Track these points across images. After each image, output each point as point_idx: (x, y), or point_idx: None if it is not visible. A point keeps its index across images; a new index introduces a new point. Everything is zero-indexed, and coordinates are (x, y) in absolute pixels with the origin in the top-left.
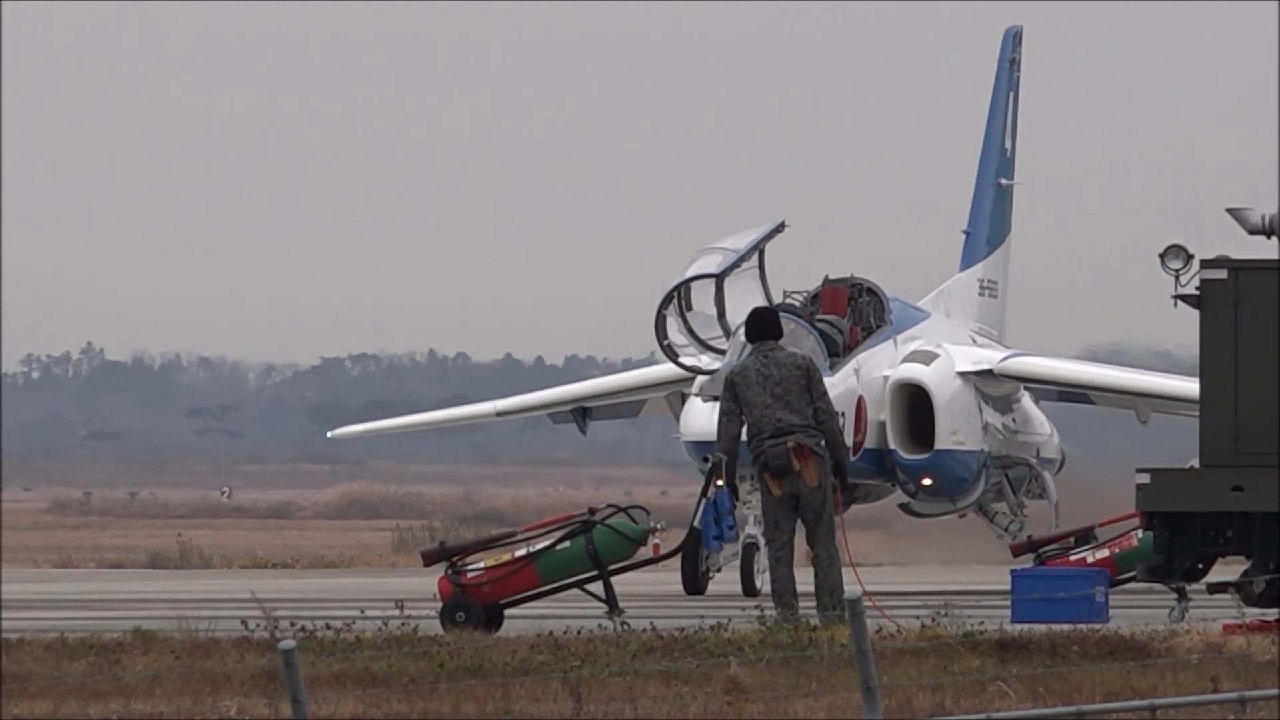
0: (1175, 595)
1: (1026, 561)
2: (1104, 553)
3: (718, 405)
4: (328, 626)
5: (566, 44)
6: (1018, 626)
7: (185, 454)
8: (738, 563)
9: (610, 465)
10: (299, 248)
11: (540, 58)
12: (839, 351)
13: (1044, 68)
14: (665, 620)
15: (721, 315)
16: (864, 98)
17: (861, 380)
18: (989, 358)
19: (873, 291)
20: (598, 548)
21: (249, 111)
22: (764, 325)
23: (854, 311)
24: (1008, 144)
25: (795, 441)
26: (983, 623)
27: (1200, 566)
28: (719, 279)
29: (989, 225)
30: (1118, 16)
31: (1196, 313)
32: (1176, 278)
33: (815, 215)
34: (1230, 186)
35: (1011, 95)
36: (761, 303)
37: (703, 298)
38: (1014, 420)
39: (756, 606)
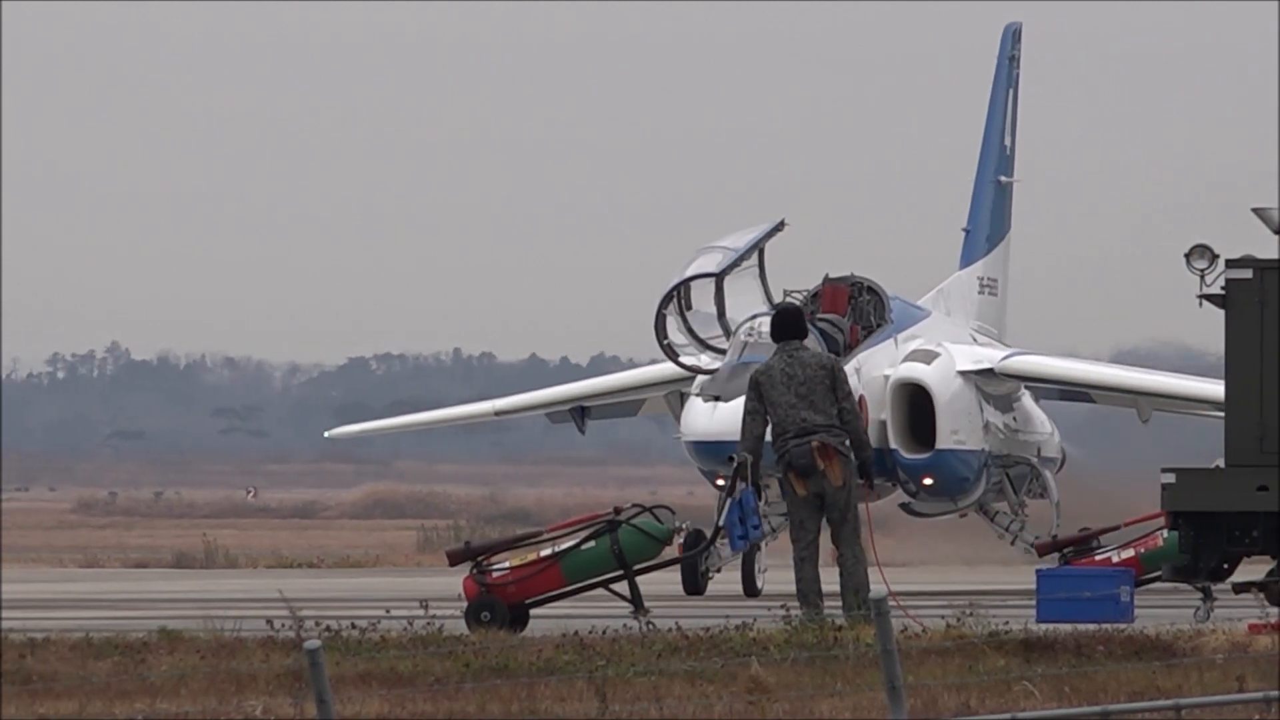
0: (1200, 595)
1: (1049, 560)
2: (1129, 552)
3: (719, 404)
4: (353, 626)
5: (623, 43)
6: (1043, 626)
7: (210, 454)
8: (738, 563)
9: (636, 465)
10: (324, 248)
11: (579, 57)
12: (839, 351)
13: (1045, 66)
14: (690, 620)
15: (721, 314)
16: (863, 96)
17: (862, 379)
18: (990, 356)
19: (873, 290)
20: (623, 547)
21: (279, 113)
22: (789, 325)
23: (854, 310)
24: (1007, 141)
25: (819, 441)
26: (1008, 622)
27: (1225, 566)
28: (719, 278)
29: (989, 223)
30: (1118, 15)
31: (1192, 311)
32: (1202, 277)
33: (815, 214)
34: (1230, 186)
35: (1011, 92)
36: (761, 302)
37: (702, 297)
38: (1015, 419)
39: (782, 606)
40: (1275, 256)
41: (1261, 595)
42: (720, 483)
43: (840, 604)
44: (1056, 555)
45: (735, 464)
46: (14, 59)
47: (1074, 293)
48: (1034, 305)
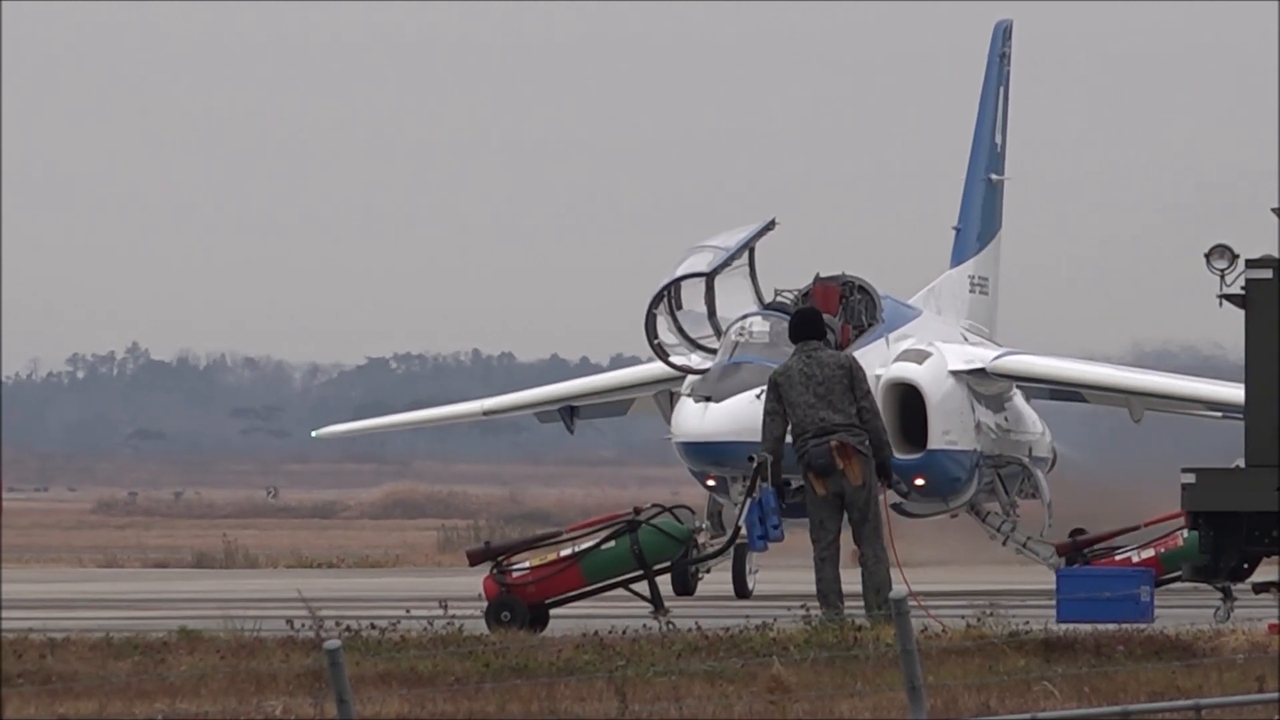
0: (1220, 595)
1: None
2: (1149, 552)
3: (710, 405)
4: (373, 626)
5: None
6: (1063, 626)
7: (230, 454)
8: (728, 563)
9: (656, 465)
10: (344, 248)
11: (589, 58)
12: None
13: (1045, 66)
14: (710, 620)
15: (712, 314)
16: (853, 95)
17: None
18: (982, 356)
19: (864, 289)
20: (643, 547)
21: (302, 115)
22: (807, 325)
23: (845, 310)
24: (998, 139)
25: (838, 441)
26: (1028, 622)
27: (1245, 566)
28: (709, 278)
29: (980, 221)
30: (1114, 13)
31: (1190, 311)
32: (1222, 277)
33: (806, 213)
34: (1229, 186)
35: (1002, 90)
36: (752, 301)
37: (693, 296)
38: (1006, 419)
39: (802, 606)
40: None
41: None
42: (711, 483)
43: (862, 603)
44: (1061, 556)
45: (755, 464)
46: (15, 59)
47: (1072, 292)
48: (1028, 304)
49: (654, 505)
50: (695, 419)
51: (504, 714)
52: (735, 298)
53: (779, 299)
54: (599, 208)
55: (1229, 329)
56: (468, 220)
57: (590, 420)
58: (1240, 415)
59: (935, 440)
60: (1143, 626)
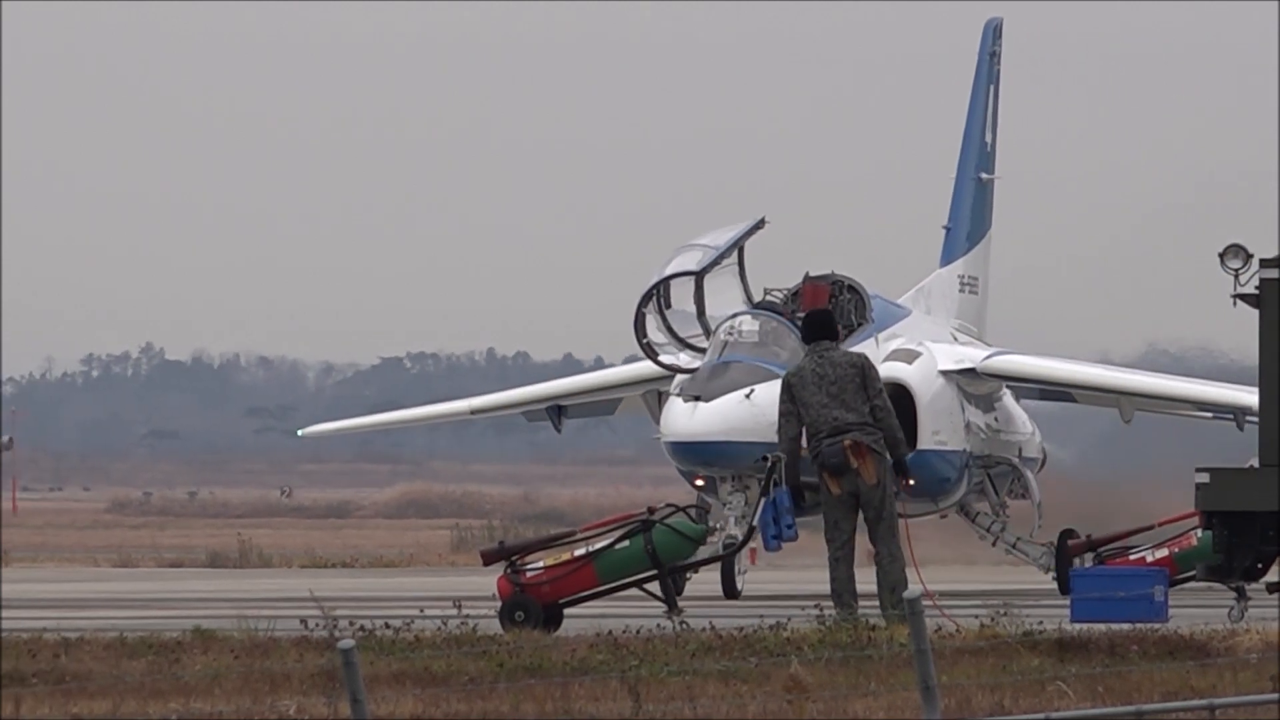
0: (1235, 594)
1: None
2: (1164, 552)
3: (699, 404)
4: (387, 626)
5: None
6: (1077, 626)
7: (244, 453)
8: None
9: (670, 465)
10: (358, 248)
11: (603, 59)
12: None
13: (1043, 66)
14: (724, 620)
15: (701, 313)
16: (843, 94)
17: None
18: (972, 356)
19: (854, 289)
20: (657, 547)
21: (314, 115)
22: (819, 326)
23: (835, 309)
24: (988, 138)
25: (852, 439)
26: (1042, 622)
27: (1260, 566)
28: (699, 276)
29: (969, 220)
30: (1113, 13)
31: (1187, 311)
32: (1236, 277)
33: (795, 212)
34: (1229, 186)
35: (992, 88)
36: (741, 301)
37: (682, 295)
38: (996, 419)
39: (816, 605)
40: None
41: None
42: (699, 484)
43: (877, 603)
44: (1075, 556)
45: (770, 463)
46: (15, 59)
47: (1070, 292)
48: (1027, 305)
49: (668, 505)
50: (684, 418)
51: (518, 714)
52: (724, 296)
53: (768, 298)
54: (611, 207)
55: (1229, 329)
56: (481, 220)
57: (579, 419)
58: (1229, 415)
59: (925, 440)
60: (1157, 626)
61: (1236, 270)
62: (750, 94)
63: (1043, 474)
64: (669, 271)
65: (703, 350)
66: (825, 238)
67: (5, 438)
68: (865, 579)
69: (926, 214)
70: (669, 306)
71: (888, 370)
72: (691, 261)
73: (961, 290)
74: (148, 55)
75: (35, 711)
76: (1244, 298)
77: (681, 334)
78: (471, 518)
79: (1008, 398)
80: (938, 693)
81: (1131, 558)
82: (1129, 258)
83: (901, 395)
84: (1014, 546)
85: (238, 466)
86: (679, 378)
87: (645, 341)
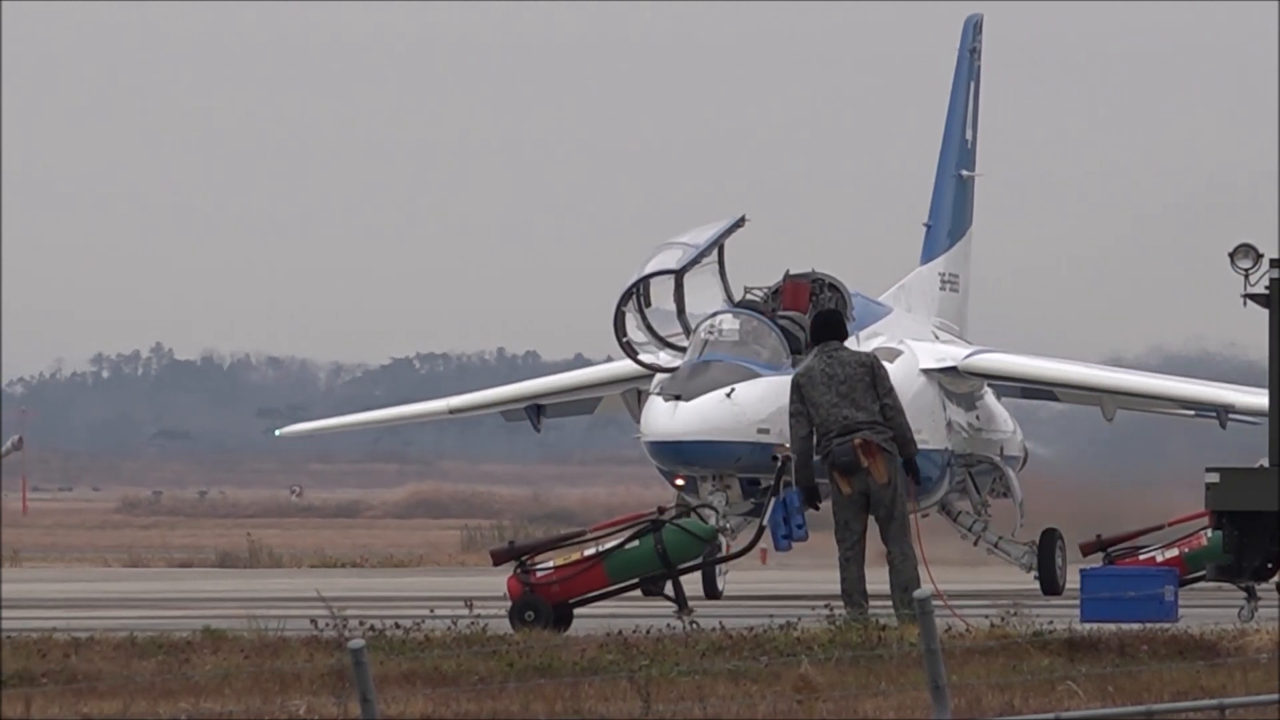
0: (1245, 594)
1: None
2: (1173, 552)
3: (679, 404)
4: (397, 626)
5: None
6: (1087, 626)
7: (254, 453)
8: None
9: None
10: (368, 248)
11: (617, 60)
12: (800, 349)
13: (1043, 65)
14: (734, 620)
15: (681, 312)
16: (824, 93)
17: None
18: (953, 354)
19: (834, 287)
20: (667, 547)
21: (321, 116)
22: (828, 326)
23: (815, 307)
24: (968, 135)
25: (861, 438)
26: (1052, 622)
27: (1270, 566)
28: (679, 275)
29: (950, 218)
30: (1110, 13)
31: (1183, 310)
32: (1246, 277)
33: (775, 210)
34: (1229, 186)
35: (972, 85)
36: (721, 299)
37: (662, 294)
38: (978, 418)
39: (826, 605)
40: None
41: None
42: (679, 483)
43: (890, 602)
44: (1085, 555)
45: (779, 463)
46: (15, 59)
47: (1071, 292)
48: (1022, 305)
49: (678, 505)
50: (664, 418)
51: (528, 714)
52: (704, 295)
53: (748, 296)
54: (618, 207)
55: (1229, 329)
56: (492, 220)
57: (557, 419)
58: (1213, 414)
59: None
60: (1167, 626)
61: (1246, 270)
62: (729, 94)
63: (1027, 473)
64: (649, 270)
65: (683, 349)
66: (805, 236)
67: (15, 438)
68: (877, 579)
69: (907, 211)
70: (649, 305)
71: None
72: (671, 260)
73: (942, 288)
74: (155, 55)
75: (45, 711)
76: (1254, 297)
77: (661, 333)
78: (481, 518)
79: (989, 396)
80: (948, 692)
81: (1141, 558)
82: (1129, 258)
83: None
84: (995, 546)
85: (248, 466)
86: (659, 377)
87: (625, 340)
